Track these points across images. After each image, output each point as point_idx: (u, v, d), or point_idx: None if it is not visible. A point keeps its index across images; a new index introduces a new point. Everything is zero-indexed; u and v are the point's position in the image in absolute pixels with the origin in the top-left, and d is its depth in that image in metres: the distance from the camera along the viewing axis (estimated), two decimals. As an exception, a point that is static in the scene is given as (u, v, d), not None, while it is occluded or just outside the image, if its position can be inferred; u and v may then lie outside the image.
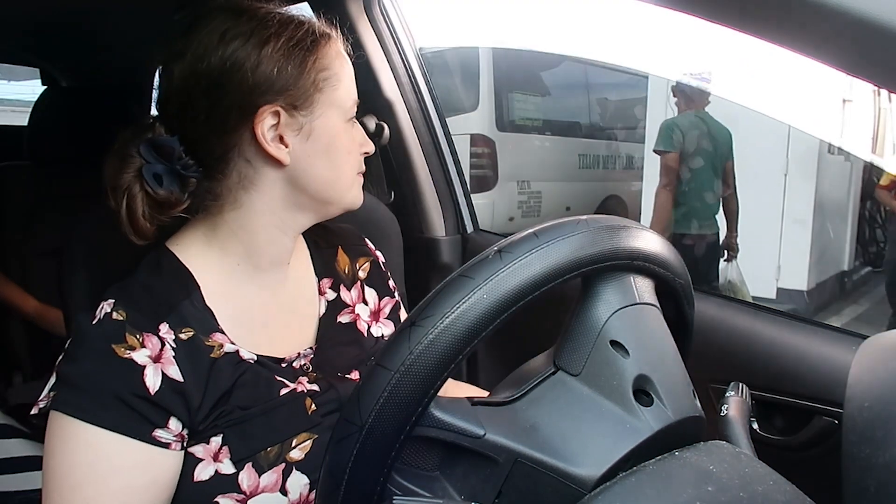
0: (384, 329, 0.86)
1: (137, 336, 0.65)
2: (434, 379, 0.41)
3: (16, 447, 1.26)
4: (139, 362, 0.64)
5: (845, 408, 0.59)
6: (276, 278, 0.77)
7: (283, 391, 0.71)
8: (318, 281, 0.83)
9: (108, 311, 0.66)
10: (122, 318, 0.65)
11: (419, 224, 1.36)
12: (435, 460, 0.45)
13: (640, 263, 0.49)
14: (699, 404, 0.50)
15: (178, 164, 0.69)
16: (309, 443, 0.69)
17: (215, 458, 0.66)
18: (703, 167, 3.44)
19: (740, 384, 0.59)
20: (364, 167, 0.78)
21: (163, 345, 0.66)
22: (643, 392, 0.47)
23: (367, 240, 0.93)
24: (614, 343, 0.48)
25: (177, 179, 0.70)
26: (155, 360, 0.65)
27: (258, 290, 0.75)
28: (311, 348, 0.78)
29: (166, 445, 0.64)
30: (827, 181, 4.94)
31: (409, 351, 0.41)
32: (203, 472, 0.66)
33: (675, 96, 3.64)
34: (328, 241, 0.87)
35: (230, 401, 0.68)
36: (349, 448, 0.41)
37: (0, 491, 1.19)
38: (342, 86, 0.73)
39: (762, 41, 0.51)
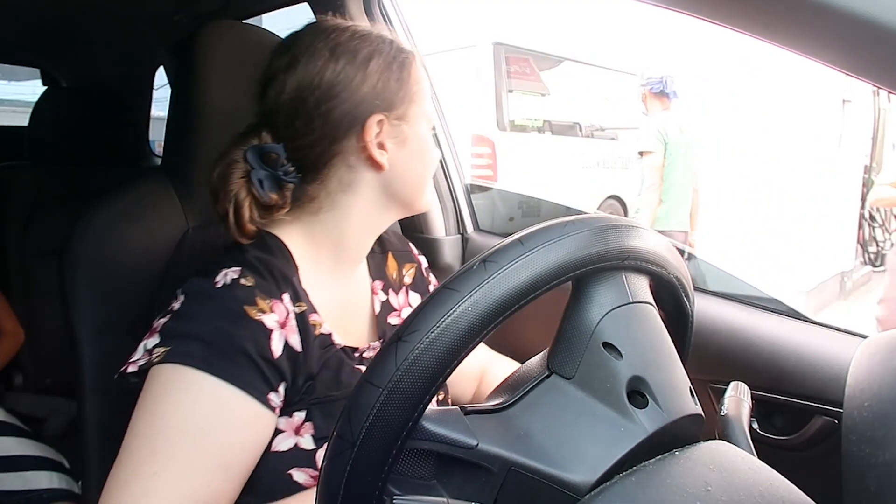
0: None
1: (267, 301, 0.69)
2: (423, 393, 0.41)
3: (16, 446, 1.26)
4: (268, 325, 0.68)
5: (845, 407, 0.59)
6: (352, 275, 0.83)
7: None
8: (372, 282, 0.89)
9: (235, 277, 0.69)
10: (251, 284, 0.69)
11: (419, 224, 1.36)
12: (431, 470, 0.45)
13: (631, 262, 0.48)
14: (697, 401, 0.50)
15: (280, 171, 0.74)
16: None
17: (297, 431, 0.70)
18: (681, 167, 3.55)
19: (740, 384, 0.59)
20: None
21: (287, 313, 0.70)
22: (638, 393, 0.47)
23: (411, 245, 0.99)
24: (607, 345, 0.47)
25: (276, 184, 0.75)
26: (281, 327, 0.69)
27: (338, 285, 0.81)
28: (377, 342, 0.83)
29: (273, 409, 0.67)
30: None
31: (395, 367, 0.40)
32: (282, 444, 0.69)
33: (644, 100, 3.66)
34: (380, 246, 0.93)
35: (316, 380, 0.71)
36: (343, 464, 0.41)
37: None
38: (427, 97, 0.80)
39: (762, 41, 0.51)
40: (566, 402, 0.46)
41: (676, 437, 0.47)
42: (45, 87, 2.05)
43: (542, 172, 5.00)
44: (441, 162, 1.38)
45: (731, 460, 0.46)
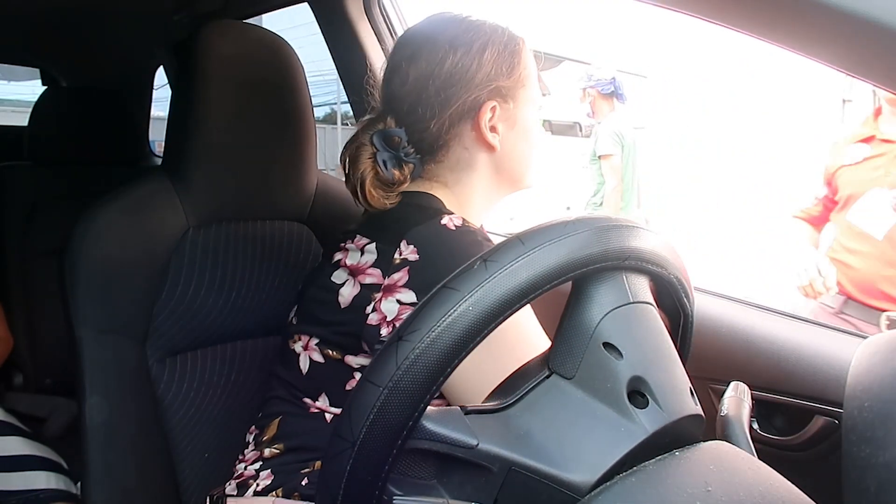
0: None
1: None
2: (424, 393, 0.41)
3: (15, 445, 1.26)
4: None
5: (845, 407, 0.59)
6: None
7: None
8: None
9: (460, 222, 0.76)
10: (475, 229, 0.76)
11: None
12: (431, 470, 0.45)
13: (631, 262, 0.48)
14: (697, 401, 0.50)
15: (401, 152, 0.82)
16: None
17: None
18: (631, 167, 3.64)
19: (740, 384, 0.59)
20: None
21: None
22: (638, 393, 0.47)
23: None
24: (607, 345, 0.47)
25: (398, 164, 0.82)
26: None
27: None
28: None
29: None
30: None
31: (396, 366, 0.40)
32: None
33: (592, 102, 3.66)
34: None
35: None
36: (343, 464, 0.41)
37: (-1, 490, 1.19)
38: (535, 81, 0.86)
39: (762, 41, 0.51)
40: (566, 402, 0.46)
41: (677, 437, 0.47)
42: (45, 87, 2.05)
43: (542, 172, 5.01)
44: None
45: (732, 461, 0.46)
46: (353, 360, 0.78)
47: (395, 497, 0.43)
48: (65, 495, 1.24)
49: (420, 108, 0.81)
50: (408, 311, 0.71)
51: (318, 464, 0.79)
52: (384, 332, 0.74)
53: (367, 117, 0.86)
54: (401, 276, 0.73)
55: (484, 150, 0.84)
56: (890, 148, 1.52)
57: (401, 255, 0.74)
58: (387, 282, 0.74)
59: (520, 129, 0.85)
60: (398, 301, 0.73)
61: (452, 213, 0.78)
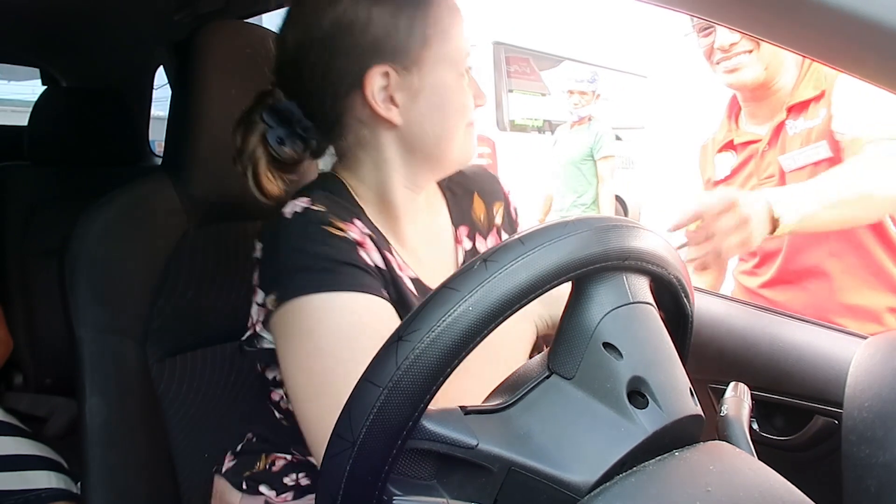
0: None
1: (341, 223, 0.67)
2: (423, 393, 0.41)
3: (16, 445, 1.26)
4: (353, 239, 0.67)
5: (845, 408, 0.59)
6: (414, 232, 0.78)
7: None
8: (455, 229, 0.82)
9: (305, 205, 0.67)
10: (323, 209, 0.67)
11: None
12: (431, 470, 0.45)
13: (632, 262, 0.48)
14: (697, 402, 0.50)
15: (298, 128, 0.72)
16: None
17: None
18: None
19: (740, 384, 0.59)
20: (473, 118, 0.76)
21: (363, 234, 0.69)
22: (638, 393, 0.47)
23: (500, 181, 0.91)
24: (607, 345, 0.47)
25: (299, 141, 0.73)
26: (360, 245, 0.68)
27: (396, 243, 0.75)
28: None
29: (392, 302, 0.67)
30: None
31: (396, 366, 0.40)
32: None
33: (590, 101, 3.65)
34: (464, 187, 0.86)
35: (397, 305, 0.69)
36: (342, 464, 0.41)
37: (-2, 490, 1.19)
38: (452, 40, 0.71)
39: (762, 41, 0.51)
40: (566, 402, 0.46)
41: (676, 437, 0.47)
42: (45, 87, 2.05)
43: (542, 172, 5.01)
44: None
45: (731, 461, 0.46)
46: (269, 373, 0.76)
47: (395, 497, 0.43)
48: (66, 494, 1.24)
49: (304, 77, 0.70)
50: (263, 313, 0.68)
51: (273, 456, 0.79)
52: (249, 332, 0.71)
53: (258, 92, 0.75)
54: (255, 276, 0.69)
55: (383, 125, 0.71)
56: (753, 149, 1.24)
57: (256, 252, 0.69)
58: (253, 283, 0.70)
59: (429, 98, 0.70)
60: (256, 303, 0.69)
61: (308, 197, 0.69)
